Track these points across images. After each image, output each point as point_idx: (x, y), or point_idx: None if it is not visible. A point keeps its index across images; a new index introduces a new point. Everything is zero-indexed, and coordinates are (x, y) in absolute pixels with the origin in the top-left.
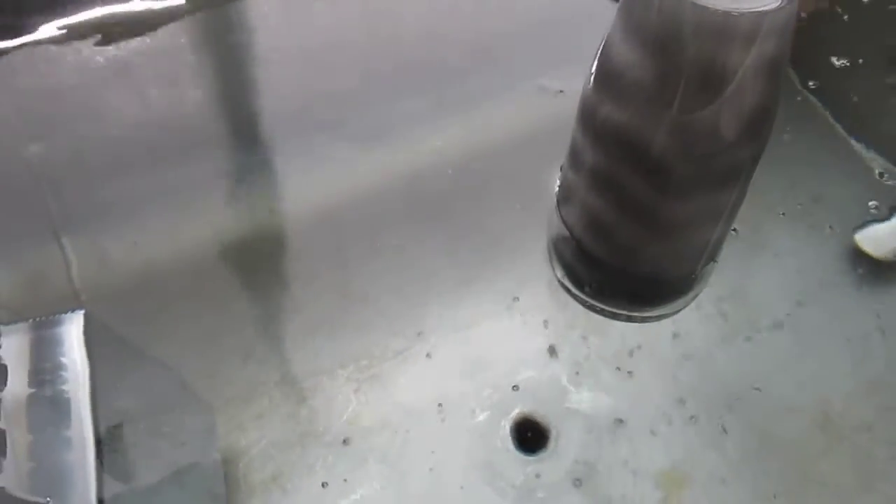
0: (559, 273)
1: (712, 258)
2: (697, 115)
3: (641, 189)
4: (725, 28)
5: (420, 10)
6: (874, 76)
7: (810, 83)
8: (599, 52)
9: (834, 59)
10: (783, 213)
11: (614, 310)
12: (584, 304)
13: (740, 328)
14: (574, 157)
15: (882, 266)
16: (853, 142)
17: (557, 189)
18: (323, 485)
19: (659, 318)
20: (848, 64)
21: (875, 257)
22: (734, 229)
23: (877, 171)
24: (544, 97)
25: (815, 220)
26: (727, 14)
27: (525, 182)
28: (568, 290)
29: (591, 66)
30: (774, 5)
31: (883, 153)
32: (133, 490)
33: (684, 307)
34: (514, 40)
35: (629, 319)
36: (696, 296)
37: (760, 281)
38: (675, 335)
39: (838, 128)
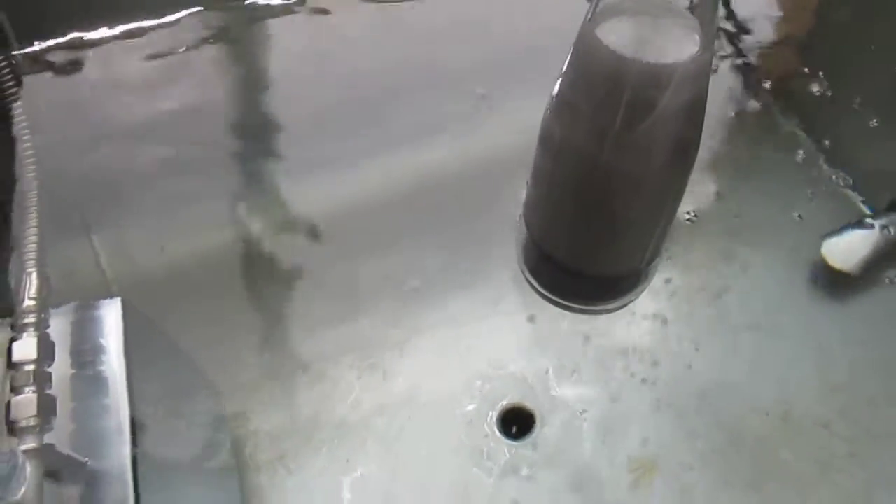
0: (526, 273)
1: (653, 258)
2: (631, 141)
3: (590, 200)
4: (647, 75)
5: (429, 29)
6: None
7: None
8: (557, 84)
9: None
10: (759, 227)
11: (571, 304)
12: (547, 299)
13: (714, 330)
14: (536, 173)
15: (846, 278)
16: (821, 160)
17: (523, 201)
18: (325, 464)
19: (611, 310)
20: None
21: (840, 269)
22: (692, 217)
23: (844, 189)
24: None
25: (786, 234)
26: (647, 64)
27: (516, 195)
28: (534, 288)
29: (551, 96)
30: (687, 57)
31: (849, 173)
32: (151, 467)
33: (633, 300)
34: (523, 60)
35: (583, 311)
36: (642, 291)
37: (735, 290)
38: (654, 335)
39: (808, 142)
